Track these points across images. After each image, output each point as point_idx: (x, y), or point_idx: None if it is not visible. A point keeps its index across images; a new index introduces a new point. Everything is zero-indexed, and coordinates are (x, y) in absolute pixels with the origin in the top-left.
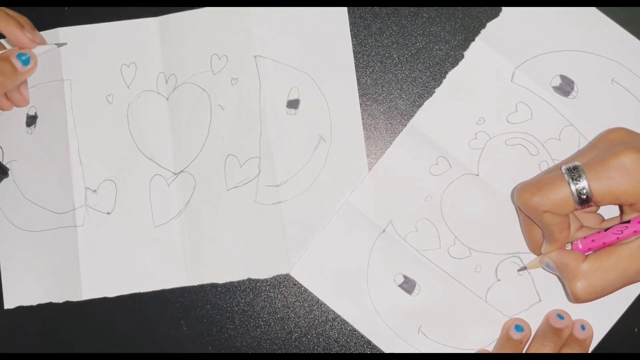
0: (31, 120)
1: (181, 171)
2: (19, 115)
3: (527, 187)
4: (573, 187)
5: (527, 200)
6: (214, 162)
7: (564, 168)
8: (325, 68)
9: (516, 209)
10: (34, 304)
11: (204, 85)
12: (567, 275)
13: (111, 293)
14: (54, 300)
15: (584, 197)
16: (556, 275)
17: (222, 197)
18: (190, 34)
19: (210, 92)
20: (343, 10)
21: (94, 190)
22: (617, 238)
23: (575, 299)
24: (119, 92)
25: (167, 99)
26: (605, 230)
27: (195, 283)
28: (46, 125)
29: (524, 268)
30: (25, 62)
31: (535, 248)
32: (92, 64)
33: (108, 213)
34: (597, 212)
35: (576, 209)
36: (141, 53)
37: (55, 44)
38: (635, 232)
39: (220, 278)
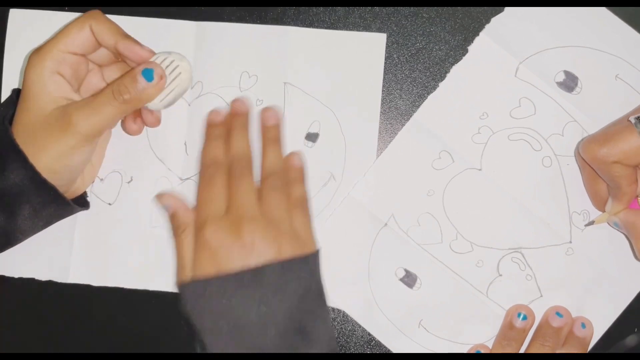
0: None
1: (188, 178)
2: None
3: (595, 138)
4: None
5: (594, 152)
6: None
7: (632, 118)
8: (350, 108)
9: (579, 165)
10: (16, 276)
11: (229, 99)
12: (635, 234)
13: (96, 282)
14: (37, 277)
15: None
16: (623, 233)
17: None
18: (227, 46)
19: None
20: (382, 37)
21: (102, 179)
22: None
23: None
24: None
25: (189, 105)
26: None
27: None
28: None
29: (592, 223)
30: (149, 78)
31: (599, 204)
32: None
33: (109, 204)
34: None
35: None
36: None
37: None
38: None
39: None
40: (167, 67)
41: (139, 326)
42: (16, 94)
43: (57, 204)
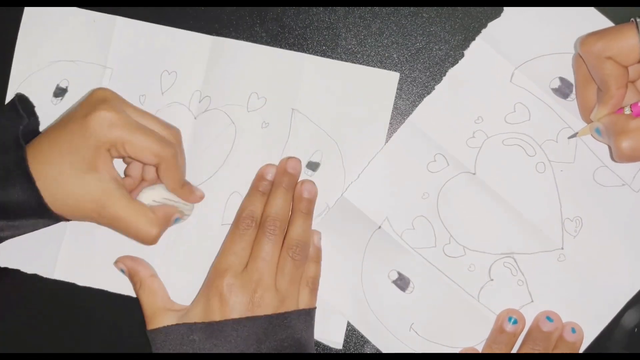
0: (60, 92)
1: None
2: (48, 83)
3: (594, 33)
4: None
5: (591, 46)
6: (218, 193)
7: (636, 18)
8: (354, 143)
9: (573, 68)
10: (2, 265)
11: (234, 118)
12: (615, 132)
13: (81, 282)
14: (22, 269)
15: None
16: (604, 143)
17: (214, 230)
18: (240, 64)
19: (238, 127)
20: (394, 76)
21: None
22: None
23: (619, 156)
24: (152, 95)
25: (195, 118)
26: None
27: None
28: (73, 102)
29: (575, 135)
30: (176, 221)
31: (587, 113)
32: (137, 61)
33: None
34: None
35: (639, 61)
36: (186, 65)
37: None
38: None
39: (187, 301)
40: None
41: (119, 329)
42: (19, 98)
43: (50, 218)
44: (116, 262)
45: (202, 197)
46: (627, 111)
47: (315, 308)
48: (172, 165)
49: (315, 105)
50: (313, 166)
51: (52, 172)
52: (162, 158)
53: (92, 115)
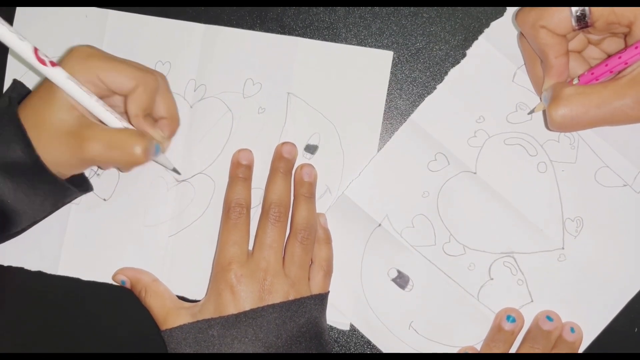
0: None
1: (184, 180)
2: (38, 78)
3: (529, 7)
4: (573, 8)
5: (525, 15)
6: (218, 181)
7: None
8: (352, 123)
9: (521, 50)
10: (5, 264)
11: (231, 105)
12: (550, 100)
13: (86, 276)
14: (26, 267)
15: (581, 13)
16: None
17: (216, 218)
18: (233, 51)
19: (235, 114)
20: (388, 55)
21: (98, 174)
22: (619, 57)
23: (550, 123)
24: None
25: (191, 107)
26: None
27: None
28: None
29: (532, 111)
30: (157, 151)
31: (539, 87)
32: (131, 53)
33: (104, 199)
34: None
35: (573, 29)
36: (179, 55)
37: (173, 169)
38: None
39: (192, 294)
40: None
41: (126, 321)
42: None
43: (55, 184)
44: (115, 275)
45: (163, 138)
46: (575, 82)
47: (328, 292)
48: (146, 91)
49: (310, 88)
50: (311, 149)
51: (37, 120)
52: (139, 81)
53: (69, 54)
